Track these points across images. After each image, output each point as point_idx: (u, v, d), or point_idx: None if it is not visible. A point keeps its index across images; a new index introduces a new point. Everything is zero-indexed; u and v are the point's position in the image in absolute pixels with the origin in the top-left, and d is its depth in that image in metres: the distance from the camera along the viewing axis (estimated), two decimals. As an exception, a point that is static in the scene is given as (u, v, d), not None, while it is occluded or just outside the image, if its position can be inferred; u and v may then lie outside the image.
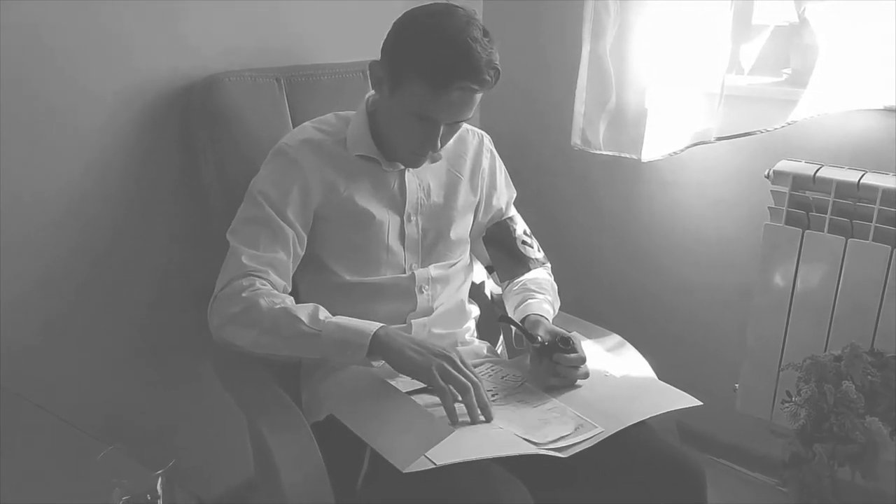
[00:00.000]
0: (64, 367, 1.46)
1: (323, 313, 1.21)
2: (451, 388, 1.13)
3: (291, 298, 1.25)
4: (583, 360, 1.28)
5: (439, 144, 1.28)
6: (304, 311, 1.20)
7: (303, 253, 1.33)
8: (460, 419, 1.13)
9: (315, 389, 1.35)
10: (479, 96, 1.25)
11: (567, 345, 1.26)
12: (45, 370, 1.43)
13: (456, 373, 1.14)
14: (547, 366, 1.27)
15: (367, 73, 1.33)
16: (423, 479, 1.12)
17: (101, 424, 1.30)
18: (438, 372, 1.14)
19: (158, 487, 0.91)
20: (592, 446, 1.19)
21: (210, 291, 1.30)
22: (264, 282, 1.25)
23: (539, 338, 1.29)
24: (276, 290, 1.26)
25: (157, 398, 1.60)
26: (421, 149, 1.29)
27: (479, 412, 1.14)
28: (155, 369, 1.61)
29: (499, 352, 1.58)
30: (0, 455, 1.19)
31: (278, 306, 1.21)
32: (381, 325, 1.20)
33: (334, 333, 1.18)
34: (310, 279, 1.37)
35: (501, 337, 1.64)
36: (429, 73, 1.19)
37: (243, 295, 1.22)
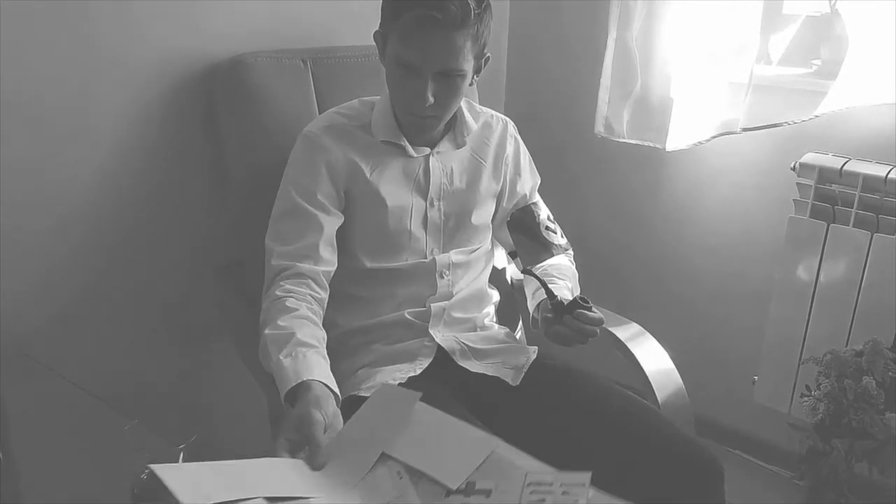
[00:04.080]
0: (90, 343, 1.49)
1: (290, 349, 1.12)
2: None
3: (311, 298, 1.24)
4: (601, 320, 1.27)
5: (430, 98, 1.25)
6: (278, 344, 1.14)
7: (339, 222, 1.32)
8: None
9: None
10: (459, 41, 1.21)
11: (587, 303, 1.26)
12: (72, 346, 1.46)
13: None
14: (566, 322, 1.27)
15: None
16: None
17: (126, 399, 1.32)
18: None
19: (180, 461, 0.93)
20: (608, 436, 1.21)
21: (231, 270, 1.32)
22: (290, 284, 1.24)
23: (560, 297, 1.29)
24: (304, 281, 1.25)
25: (179, 375, 1.62)
26: (413, 105, 1.28)
27: None
28: (178, 347, 1.63)
29: (518, 336, 1.58)
30: (27, 427, 1.22)
31: (271, 334, 1.16)
32: (314, 382, 1.07)
33: (276, 379, 1.12)
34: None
35: (520, 322, 1.65)
36: (393, 7, 1.22)
37: (263, 306, 1.24)
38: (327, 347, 1.41)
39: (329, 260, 1.30)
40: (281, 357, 1.11)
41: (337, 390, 1.09)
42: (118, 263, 1.51)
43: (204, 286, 1.57)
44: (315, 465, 0.94)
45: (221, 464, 0.87)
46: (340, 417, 1.04)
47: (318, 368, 1.11)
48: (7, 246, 1.37)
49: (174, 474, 0.82)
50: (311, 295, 1.25)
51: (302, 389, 1.05)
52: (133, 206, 1.51)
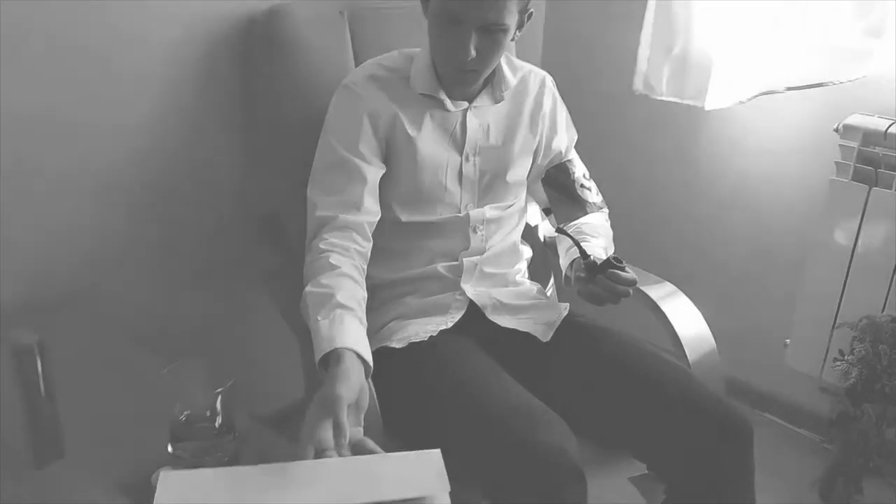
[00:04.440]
0: (129, 290, 1.52)
1: (327, 311, 1.13)
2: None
3: (355, 252, 1.25)
4: (634, 281, 1.26)
5: (472, 52, 1.23)
6: (317, 304, 1.14)
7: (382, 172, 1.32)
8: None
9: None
10: None
11: (620, 263, 1.26)
12: (111, 292, 1.49)
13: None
14: (599, 281, 1.26)
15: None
16: (462, 414, 1.15)
17: (163, 345, 1.35)
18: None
19: (217, 404, 0.95)
20: (638, 393, 1.21)
21: (267, 221, 1.33)
22: (334, 237, 1.24)
23: (593, 256, 1.29)
24: (348, 233, 1.25)
25: (215, 322, 1.66)
26: (454, 58, 1.26)
27: None
28: (214, 295, 1.66)
29: (549, 294, 1.58)
30: (68, 372, 1.25)
31: (312, 292, 1.17)
32: (346, 351, 1.07)
33: (313, 338, 1.11)
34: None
35: (552, 279, 1.65)
36: None
37: (307, 259, 1.24)
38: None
39: (373, 210, 1.30)
40: (319, 318, 1.12)
41: (369, 358, 1.09)
42: (157, 214, 1.54)
43: (239, 235, 1.59)
44: (339, 444, 0.94)
45: (226, 471, 0.90)
46: (367, 392, 1.05)
47: (352, 335, 1.10)
48: (49, 194, 1.39)
49: (169, 483, 0.86)
50: (354, 248, 1.25)
51: (333, 358, 1.06)
52: (172, 159, 1.52)
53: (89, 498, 0.97)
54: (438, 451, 0.92)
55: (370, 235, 1.29)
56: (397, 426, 1.19)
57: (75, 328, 1.36)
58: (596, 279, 1.27)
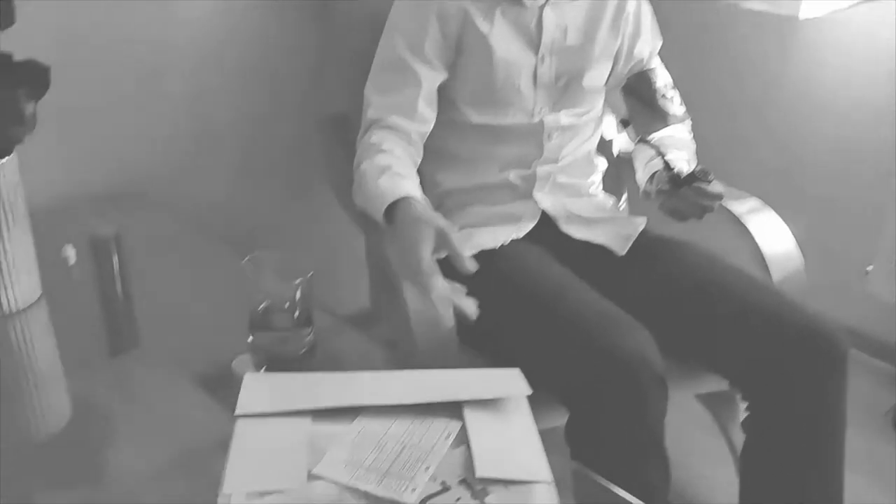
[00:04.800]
0: (207, 185, 1.55)
1: (387, 177, 1.15)
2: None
3: (405, 148, 1.24)
4: (720, 196, 1.21)
5: None
6: (375, 174, 1.16)
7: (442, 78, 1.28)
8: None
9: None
10: None
11: (706, 177, 1.20)
12: (190, 188, 1.51)
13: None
14: (683, 195, 1.21)
15: None
16: (540, 320, 1.12)
17: (240, 239, 1.36)
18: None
19: (296, 295, 0.94)
20: (720, 308, 1.17)
21: (335, 121, 1.31)
22: (384, 133, 1.24)
23: (677, 169, 1.23)
24: (400, 134, 1.24)
25: (286, 219, 1.67)
26: None
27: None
28: (284, 193, 1.68)
29: (621, 208, 1.53)
30: (144, 264, 1.26)
31: (368, 167, 1.19)
32: (405, 197, 1.10)
33: (374, 201, 1.14)
34: (439, 118, 1.34)
35: (625, 195, 1.59)
36: None
37: (359, 150, 1.24)
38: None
39: (426, 118, 1.27)
40: (378, 181, 1.14)
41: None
42: (228, 112, 1.54)
43: (309, 136, 1.58)
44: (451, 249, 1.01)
45: (300, 375, 0.87)
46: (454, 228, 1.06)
47: (415, 189, 1.13)
48: (125, 93, 1.39)
49: (252, 386, 0.83)
50: (406, 148, 1.24)
51: (403, 206, 1.07)
52: (242, 57, 1.52)
53: (164, 385, 0.98)
54: (518, 369, 0.89)
55: (420, 146, 1.28)
56: (470, 336, 1.16)
57: (151, 222, 1.37)
58: (680, 193, 1.21)
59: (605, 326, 1.07)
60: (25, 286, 1.07)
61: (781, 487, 1.15)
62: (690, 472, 1.48)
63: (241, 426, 0.78)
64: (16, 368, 1.00)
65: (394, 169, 1.16)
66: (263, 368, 0.89)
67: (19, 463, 0.84)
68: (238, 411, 0.79)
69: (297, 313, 0.95)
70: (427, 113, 1.27)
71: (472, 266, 1.01)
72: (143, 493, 0.81)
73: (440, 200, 1.35)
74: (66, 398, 0.96)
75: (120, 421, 0.92)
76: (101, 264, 1.27)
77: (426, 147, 1.30)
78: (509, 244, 1.29)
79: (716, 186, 1.20)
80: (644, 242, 1.32)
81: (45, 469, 0.83)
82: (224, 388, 0.89)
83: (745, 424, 1.19)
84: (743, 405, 1.19)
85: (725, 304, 1.18)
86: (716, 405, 1.37)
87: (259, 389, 0.84)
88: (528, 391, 0.85)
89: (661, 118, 1.40)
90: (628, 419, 1.03)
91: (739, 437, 1.24)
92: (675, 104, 1.42)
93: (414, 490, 0.72)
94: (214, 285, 1.17)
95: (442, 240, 1.03)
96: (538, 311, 1.13)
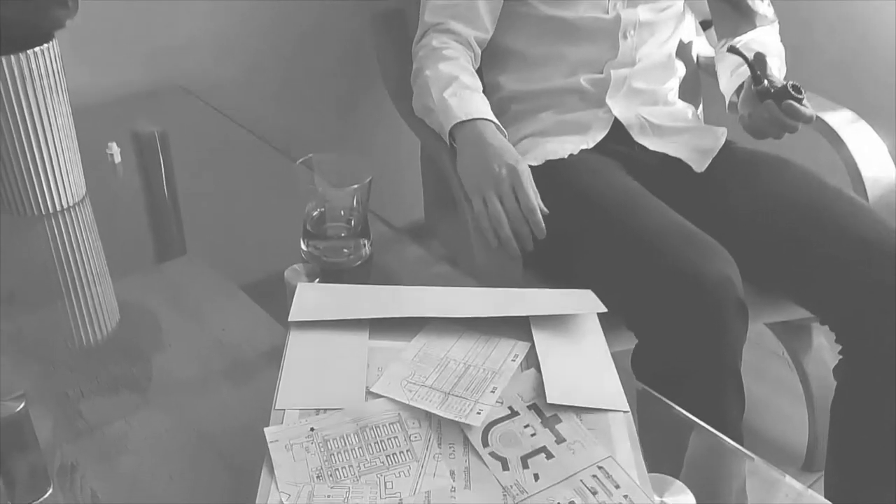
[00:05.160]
0: (256, 81, 1.49)
1: (454, 90, 1.12)
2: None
3: (467, 55, 1.19)
4: (811, 118, 1.10)
5: None
6: (440, 84, 1.13)
7: None
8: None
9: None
10: None
11: (799, 93, 1.09)
12: (240, 89, 1.46)
13: (499, 205, 1.04)
14: (770, 110, 1.10)
15: None
16: (612, 238, 1.04)
17: (293, 138, 1.30)
18: (483, 199, 1.05)
19: (353, 202, 0.87)
20: (807, 230, 1.07)
21: (389, 17, 1.23)
22: (444, 38, 1.19)
23: (767, 81, 1.12)
24: (459, 39, 1.20)
25: (338, 119, 1.62)
26: None
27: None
28: (336, 92, 1.61)
29: (700, 117, 1.42)
30: (198, 163, 1.20)
31: (432, 75, 1.15)
32: (478, 118, 1.09)
33: (438, 114, 1.12)
34: (504, 10, 1.24)
35: (701, 106, 1.48)
36: None
37: (419, 54, 1.20)
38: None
39: (485, 25, 1.20)
40: (445, 95, 1.10)
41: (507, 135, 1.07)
42: (290, 24, 1.49)
43: (362, 32, 1.50)
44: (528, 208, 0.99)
45: (356, 287, 0.81)
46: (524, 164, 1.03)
47: (486, 108, 1.09)
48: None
49: (306, 294, 0.77)
50: (465, 54, 1.18)
51: (469, 129, 1.03)
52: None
53: (212, 293, 0.93)
54: (590, 290, 0.82)
55: (479, 53, 1.22)
56: (536, 255, 1.10)
57: (197, 120, 1.31)
58: (765, 107, 1.10)
59: (685, 246, 0.98)
60: (70, 184, 1.03)
61: (874, 446, 1.04)
62: (760, 400, 1.41)
63: (294, 337, 0.73)
64: (62, 269, 0.96)
65: (461, 80, 1.12)
66: (317, 280, 0.84)
67: (64, 366, 0.81)
68: (291, 318, 0.74)
69: (353, 222, 0.88)
70: (487, 19, 1.20)
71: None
72: (192, 401, 0.78)
73: (503, 106, 1.26)
74: (113, 301, 0.93)
75: (168, 327, 0.88)
76: (148, 163, 1.21)
77: (487, 45, 1.23)
78: (578, 154, 1.20)
79: (808, 107, 1.09)
80: (725, 157, 1.21)
81: (91, 374, 0.80)
82: (275, 299, 0.84)
83: (838, 372, 1.08)
84: (835, 349, 1.08)
85: (818, 227, 1.07)
86: (788, 334, 1.29)
87: (313, 299, 0.79)
88: (602, 309, 0.78)
89: (748, 19, 1.28)
90: (706, 347, 0.96)
91: (813, 370, 1.17)
92: (763, 4, 1.29)
93: (479, 413, 0.67)
94: (267, 189, 1.11)
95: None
96: (610, 227, 1.05)
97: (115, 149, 1.14)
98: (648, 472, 0.63)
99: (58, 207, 1.02)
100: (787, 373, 1.34)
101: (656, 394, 0.78)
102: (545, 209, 1.03)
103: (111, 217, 1.05)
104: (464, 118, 1.09)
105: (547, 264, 1.09)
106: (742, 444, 0.75)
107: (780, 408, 1.43)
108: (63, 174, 1.01)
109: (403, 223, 1.64)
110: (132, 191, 1.13)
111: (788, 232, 1.09)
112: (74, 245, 1.00)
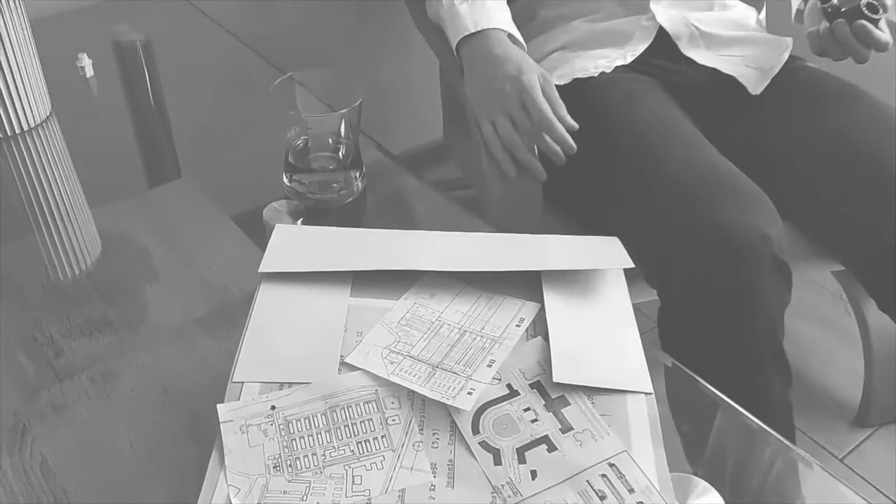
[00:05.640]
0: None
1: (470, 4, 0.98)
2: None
3: None
4: (887, 45, 0.94)
5: None
6: None
7: None
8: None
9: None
10: None
11: (875, 13, 0.92)
12: (244, 6, 1.34)
13: (510, 126, 0.90)
14: (838, 30, 0.94)
15: None
16: (640, 177, 0.91)
17: (281, 52, 1.17)
18: (492, 122, 0.92)
19: (341, 128, 0.75)
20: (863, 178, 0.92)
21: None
22: None
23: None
24: None
25: (342, 30, 1.47)
26: None
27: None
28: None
29: (763, 25, 1.25)
30: (182, 76, 1.09)
31: None
32: (489, 28, 0.96)
33: (447, 25, 1.00)
34: None
35: (763, 11, 1.29)
36: None
37: None
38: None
39: None
40: (455, 2, 0.98)
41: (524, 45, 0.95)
42: None
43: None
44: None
45: (342, 231, 0.70)
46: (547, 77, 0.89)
47: (501, 15, 0.97)
48: None
49: (281, 239, 0.67)
50: None
51: (477, 42, 0.91)
52: None
53: (199, 225, 0.83)
54: (617, 238, 0.70)
55: None
56: (556, 191, 0.98)
57: (183, 27, 1.18)
58: (833, 26, 0.93)
59: (722, 193, 0.85)
60: (31, 101, 0.92)
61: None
62: (814, 346, 1.29)
63: (263, 292, 0.63)
64: (28, 198, 0.87)
65: None
66: (300, 221, 0.73)
67: (40, 301, 0.75)
68: (262, 268, 0.64)
69: (342, 151, 0.76)
70: None
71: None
72: (167, 353, 0.70)
73: (530, 9, 1.12)
74: (88, 234, 0.84)
75: (149, 263, 0.80)
76: (125, 77, 1.10)
77: None
78: (612, 72, 1.05)
79: (884, 31, 0.92)
80: (785, 78, 1.05)
81: (67, 307, 0.73)
82: (258, 236, 0.74)
83: None
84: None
85: (882, 183, 0.91)
86: (849, 278, 1.15)
87: (291, 245, 0.68)
88: (630, 264, 0.66)
89: None
90: (736, 314, 0.84)
91: (875, 320, 1.04)
92: None
93: (471, 393, 0.56)
94: (263, 108, 0.99)
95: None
96: (636, 164, 0.92)
97: (86, 61, 1.02)
98: (671, 472, 0.53)
99: (17, 130, 0.92)
100: (847, 319, 1.21)
101: (684, 368, 0.66)
102: (572, 122, 0.89)
103: (81, 138, 0.94)
104: (472, 30, 0.95)
105: (569, 202, 0.97)
106: (792, 435, 0.63)
107: (835, 355, 1.31)
108: (22, 91, 0.90)
109: (424, 141, 1.51)
110: (106, 108, 1.02)
111: (848, 183, 0.93)
112: (39, 170, 0.90)
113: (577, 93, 1.00)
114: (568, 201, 0.97)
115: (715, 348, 0.82)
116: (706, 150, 0.94)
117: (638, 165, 0.92)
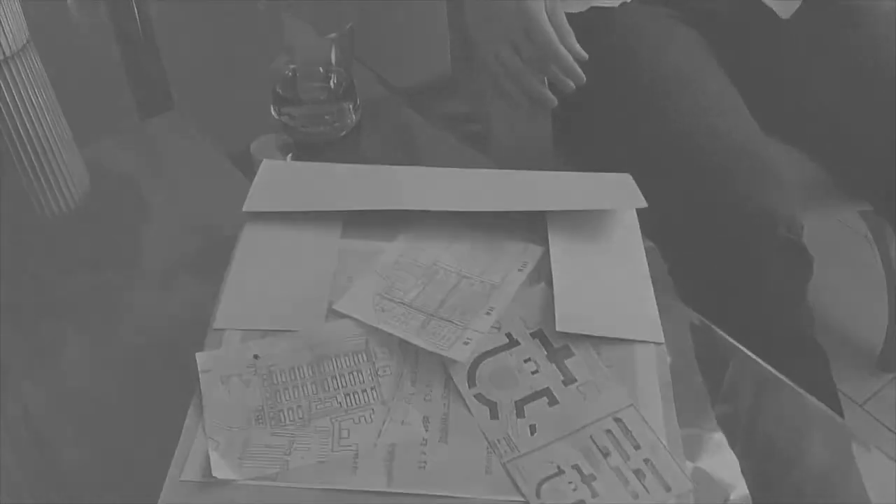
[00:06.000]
0: None
1: None
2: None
3: None
4: None
5: None
6: None
7: None
8: None
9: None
10: None
11: None
12: None
13: (515, 56, 0.83)
14: None
15: None
16: (654, 139, 0.85)
17: None
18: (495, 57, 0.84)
19: (332, 56, 0.70)
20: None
21: None
22: None
23: None
24: None
25: None
26: None
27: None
28: None
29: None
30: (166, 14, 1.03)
31: None
32: None
33: None
34: None
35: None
36: None
37: None
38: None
39: None
40: None
41: None
42: None
43: None
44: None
45: (332, 167, 0.65)
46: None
47: None
48: None
49: (268, 176, 0.63)
50: None
51: None
52: None
53: (193, 160, 0.79)
54: (629, 175, 0.65)
55: None
56: (566, 133, 0.93)
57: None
58: None
59: (741, 160, 0.80)
60: (6, 27, 0.86)
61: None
62: (835, 285, 1.23)
63: (248, 234, 0.59)
64: (6, 130, 0.82)
65: None
66: (290, 156, 0.68)
67: (25, 241, 0.72)
68: (246, 207, 0.60)
69: (333, 80, 0.71)
70: None
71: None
72: (154, 301, 0.67)
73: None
74: (75, 169, 0.80)
75: (138, 201, 0.76)
76: (119, 16, 1.03)
77: None
78: (632, 3, 0.98)
79: None
80: (818, 2, 0.97)
81: (51, 245, 0.71)
82: (247, 171, 0.70)
83: None
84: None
85: None
86: (874, 218, 1.10)
87: (278, 182, 0.64)
88: (643, 203, 0.62)
89: None
90: (745, 292, 0.79)
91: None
92: None
93: (467, 343, 0.52)
94: (250, 37, 0.93)
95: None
96: (646, 113, 0.86)
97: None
98: (681, 428, 0.49)
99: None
100: (871, 258, 1.16)
101: (697, 314, 0.62)
102: (580, 51, 0.83)
103: (65, 68, 0.89)
104: None
105: (579, 142, 0.91)
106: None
107: (858, 296, 1.27)
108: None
109: (431, 75, 1.45)
110: (91, 34, 0.97)
111: (879, 120, 0.87)
112: (20, 103, 0.86)
113: (591, 25, 0.93)
114: (578, 143, 0.92)
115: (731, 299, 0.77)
116: (730, 114, 0.87)
117: (645, 115, 0.86)
